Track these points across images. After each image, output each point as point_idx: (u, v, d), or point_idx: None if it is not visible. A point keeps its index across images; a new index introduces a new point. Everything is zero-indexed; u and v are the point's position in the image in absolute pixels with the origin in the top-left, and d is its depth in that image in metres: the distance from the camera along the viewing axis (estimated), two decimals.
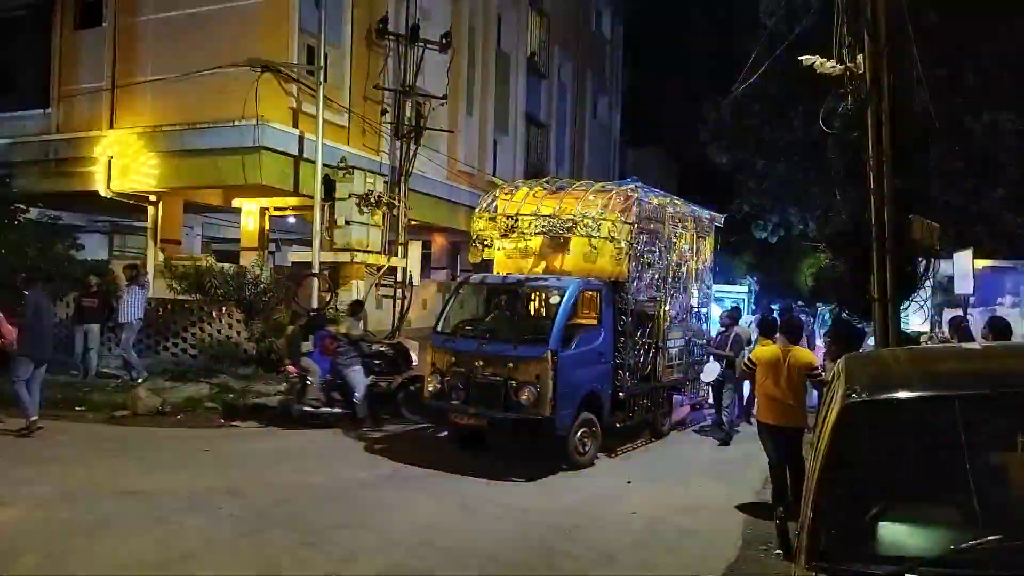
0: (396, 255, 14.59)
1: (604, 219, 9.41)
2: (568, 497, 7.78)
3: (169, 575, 5.46)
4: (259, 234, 15.41)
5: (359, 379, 10.34)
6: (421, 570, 5.77)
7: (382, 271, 14.25)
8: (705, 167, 27.62)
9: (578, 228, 9.46)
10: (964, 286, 13.02)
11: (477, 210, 10.41)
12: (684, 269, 11.12)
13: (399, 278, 14.95)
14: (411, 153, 15.05)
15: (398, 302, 14.84)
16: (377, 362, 10.90)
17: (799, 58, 6.40)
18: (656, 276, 10.28)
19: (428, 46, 15.31)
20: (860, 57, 5.94)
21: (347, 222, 13.49)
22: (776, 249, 27.77)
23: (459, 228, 16.73)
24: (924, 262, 5.96)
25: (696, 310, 11.71)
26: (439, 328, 9.46)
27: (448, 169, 17.49)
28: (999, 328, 7.01)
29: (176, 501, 6.98)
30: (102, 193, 13.94)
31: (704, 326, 11.98)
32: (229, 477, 7.87)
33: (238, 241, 16.41)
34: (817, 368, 7.29)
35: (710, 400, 11.75)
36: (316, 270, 13.11)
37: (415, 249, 15.80)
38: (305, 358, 10.51)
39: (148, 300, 13.07)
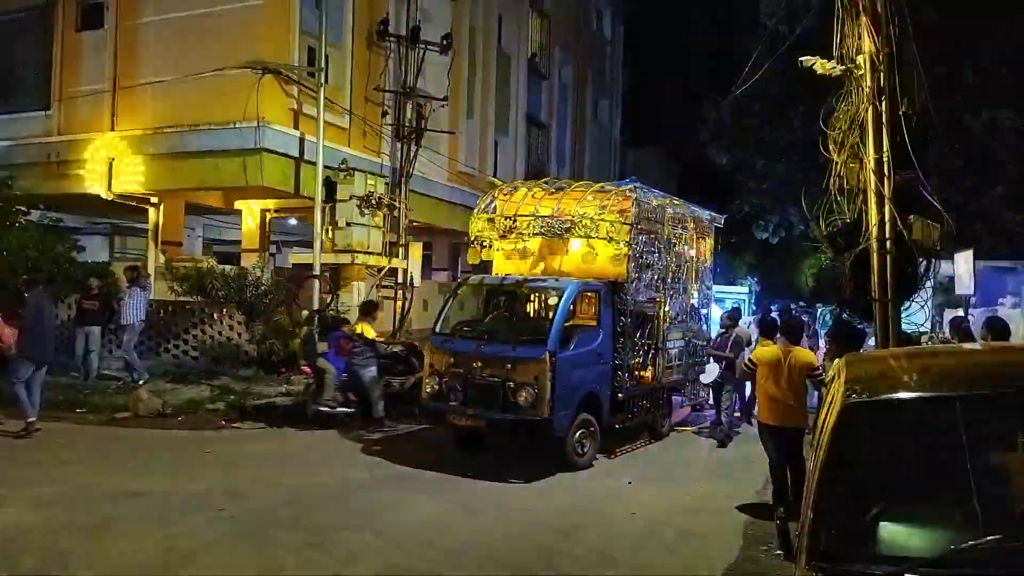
0: (397, 256, 14.59)
1: (603, 220, 9.40)
2: (568, 498, 7.79)
3: None
4: (260, 236, 15.42)
5: (375, 379, 10.38)
6: (423, 571, 5.77)
7: (383, 272, 14.25)
8: (705, 167, 27.66)
9: (576, 229, 9.46)
10: (965, 286, 13.01)
11: (475, 211, 10.40)
12: (684, 270, 11.10)
13: (400, 279, 14.96)
14: (412, 154, 15.06)
15: (399, 303, 14.86)
16: (390, 362, 10.93)
17: (799, 59, 6.39)
18: (655, 277, 10.26)
19: (429, 47, 15.32)
20: (860, 57, 5.94)
21: (348, 224, 13.48)
22: (777, 249, 27.80)
23: (460, 229, 16.68)
24: (924, 262, 5.95)
25: (696, 311, 11.70)
26: (437, 329, 9.45)
27: (449, 170, 17.50)
28: (997, 328, 7.03)
29: (177, 502, 6.99)
30: (103, 195, 13.95)
31: (704, 327, 11.97)
32: (230, 478, 7.87)
33: (239, 243, 16.43)
34: (818, 368, 7.29)
35: (710, 401, 11.75)
36: (317, 272, 13.11)
37: (416, 250, 15.81)
38: (321, 358, 10.58)
39: (149, 302, 13.08)
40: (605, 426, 9.25)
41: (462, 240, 10.90)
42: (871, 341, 6.74)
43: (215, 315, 13.42)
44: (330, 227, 13.50)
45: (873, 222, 5.88)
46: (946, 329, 11.36)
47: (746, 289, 24.25)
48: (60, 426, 9.83)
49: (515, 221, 9.81)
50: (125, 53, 14.05)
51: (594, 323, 9.38)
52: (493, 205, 10.20)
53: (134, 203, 14.47)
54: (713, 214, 12.30)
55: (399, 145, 15.14)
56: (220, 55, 12.43)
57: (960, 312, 12.80)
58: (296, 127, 13.32)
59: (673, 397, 11.12)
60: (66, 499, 6.94)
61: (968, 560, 2.49)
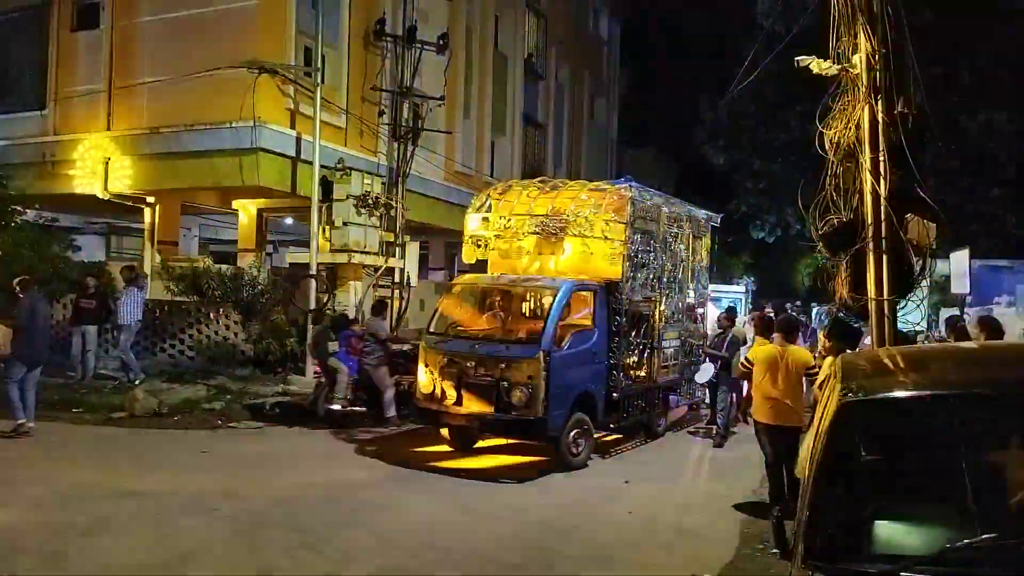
0: (394, 256, 14.58)
1: (597, 218, 9.39)
2: (565, 497, 7.79)
3: None
4: (256, 235, 15.40)
5: (387, 378, 10.39)
6: (419, 571, 5.77)
7: (380, 272, 14.25)
8: (702, 167, 27.71)
9: (571, 228, 9.44)
10: (961, 285, 13.07)
11: (470, 210, 10.39)
12: (680, 269, 11.10)
13: (397, 279, 14.95)
14: (408, 154, 15.05)
15: (396, 303, 14.85)
16: (400, 361, 10.97)
17: (795, 58, 6.40)
18: (651, 276, 10.26)
19: (425, 47, 15.31)
20: (856, 57, 5.95)
21: (344, 223, 13.47)
22: (773, 249, 27.88)
23: (457, 229, 16.66)
24: (920, 262, 5.96)
25: (692, 310, 11.70)
26: (431, 328, 9.42)
27: (446, 170, 17.49)
28: (990, 327, 7.07)
29: (173, 502, 6.97)
30: (99, 195, 13.92)
31: (700, 326, 11.97)
32: (226, 478, 7.86)
33: (235, 242, 16.41)
34: (814, 367, 7.29)
35: (707, 400, 11.75)
36: (314, 271, 13.10)
37: (413, 250, 15.80)
38: (332, 358, 10.63)
39: (146, 302, 13.06)
40: (600, 426, 9.25)
41: (459, 240, 10.90)
42: (867, 340, 6.76)
43: (211, 315, 13.40)
44: (327, 227, 13.48)
45: (869, 222, 5.89)
46: (942, 328, 11.40)
47: (743, 288, 24.29)
48: (56, 426, 9.81)
49: (510, 220, 9.80)
50: (121, 53, 14.03)
51: (589, 322, 9.37)
52: (488, 204, 10.19)
53: (130, 203, 14.45)
54: (709, 213, 12.31)
55: (396, 145, 15.13)
56: (216, 55, 12.41)
57: (956, 311, 12.84)
58: (292, 127, 13.31)
59: (670, 397, 11.12)
60: (62, 499, 6.93)
61: (963, 559, 2.49)
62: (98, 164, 13.79)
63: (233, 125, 12.42)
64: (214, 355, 13.11)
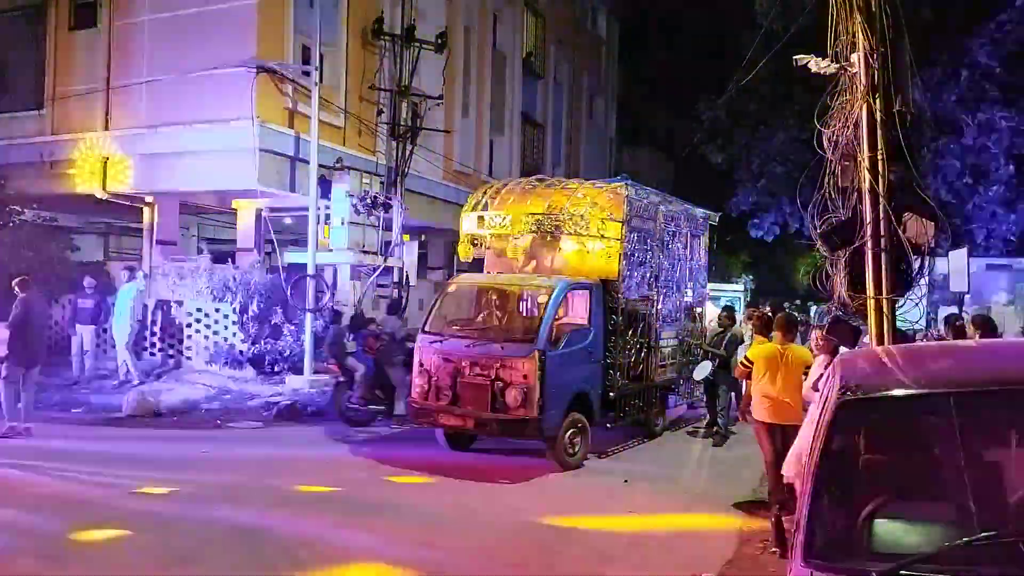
0: (392, 255, 14.59)
1: (594, 217, 9.37)
2: (564, 497, 7.80)
3: None
4: (255, 235, 15.39)
5: (403, 378, 10.46)
6: (420, 571, 5.77)
7: (378, 271, 14.25)
8: (701, 166, 27.69)
9: (567, 226, 9.43)
10: (959, 284, 13.06)
11: (465, 208, 10.36)
12: (677, 268, 11.08)
13: (396, 278, 14.95)
14: (407, 153, 15.04)
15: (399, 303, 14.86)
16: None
17: (794, 57, 6.40)
18: (648, 275, 10.24)
19: (424, 46, 15.30)
20: (854, 55, 5.95)
21: (343, 222, 13.47)
22: (772, 248, 27.87)
23: (455, 228, 16.64)
24: (919, 260, 5.96)
25: (690, 309, 11.68)
26: (426, 328, 9.40)
27: (444, 169, 17.48)
28: (985, 325, 7.09)
29: (173, 503, 6.97)
30: (97, 195, 13.92)
31: (699, 325, 11.95)
32: (226, 478, 7.86)
33: (234, 242, 16.39)
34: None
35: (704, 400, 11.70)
36: (312, 271, 13.09)
37: (412, 249, 15.79)
38: (350, 357, 10.69)
39: (144, 301, 13.05)
40: (597, 425, 9.20)
41: (457, 239, 10.89)
42: (866, 339, 6.76)
43: (210, 314, 13.39)
44: (325, 226, 13.48)
45: (868, 220, 5.89)
46: (941, 326, 11.40)
47: (741, 287, 24.30)
48: (55, 426, 9.80)
49: (505, 219, 9.77)
50: (119, 52, 14.01)
51: (585, 321, 9.33)
52: (484, 203, 10.15)
53: (129, 203, 14.45)
54: (707, 212, 12.30)
55: (394, 144, 15.12)
56: (214, 54, 12.41)
57: (955, 309, 12.85)
58: (291, 126, 13.30)
59: (668, 396, 11.10)
60: (61, 500, 6.92)
61: (962, 557, 2.49)
62: (96, 164, 13.80)
63: (231, 124, 12.42)
64: (213, 355, 13.11)
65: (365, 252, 13.87)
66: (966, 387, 3.04)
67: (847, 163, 6.08)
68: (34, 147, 14.57)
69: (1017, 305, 15.17)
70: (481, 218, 9.99)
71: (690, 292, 11.66)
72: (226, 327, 13.35)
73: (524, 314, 9.92)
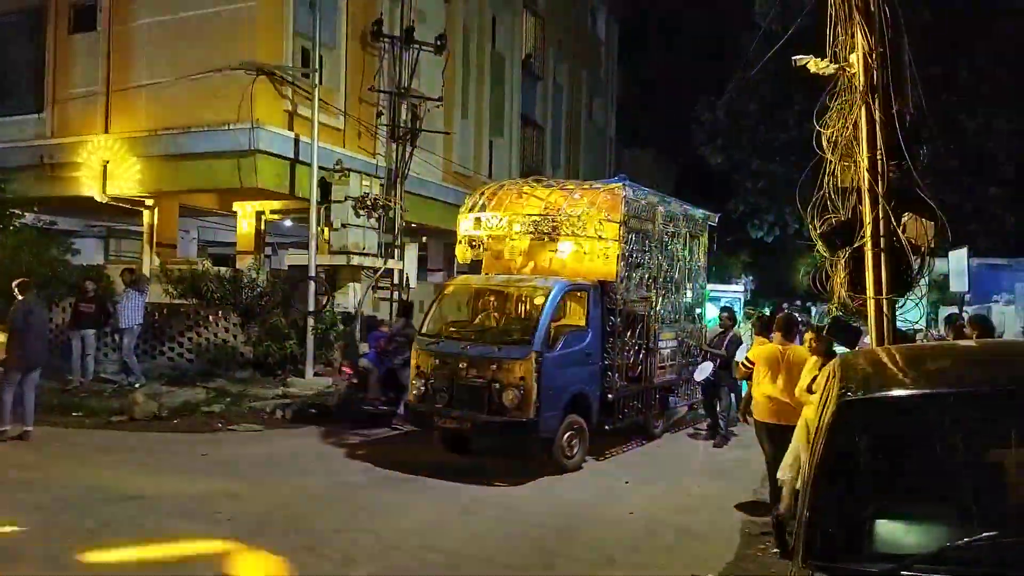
0: (392, 257, 14.59)
1: (591, 218, 9.34)
2: (565, 498, 7.78)
3: None
4: (255, 237, 15.40)
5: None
6: (421, 572, 5.77)
7: (379, 273, 14.25)
8: (701, 167, 27.73)
9: (564, 227, 9.41)
10: (960, 284, 13.08)
11: (462, 210, 10.34)
12: (677, 268, 11.06)
13: (396, 280, 14.95)
14: (407, 155, 15.04)
15: (395, 304, 14.85)
16: None
17: (793, 58, 6.40)
18: (647, 276, 10.21)
19: (423, 48, 15.31)
20: (853, 56, 5.95)
21: (343, 225, 13.48)
22: (772, 248, 27.88)
23: (455, 230, 16.73)
24: (919, 260, 5.95)
25: (690, 310, 11.66)
26: (424, 330, 9.36)
27: (444, 171, 17.49)
28: (982, 325, 7.10)
29: (174, 506, 6.97)
30: (97, 198, 13.92)
31: (698, 326, 11.92)
32: (227, 481, 7.85)
33: (234, 245, 16.40)
34: None
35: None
36: (313, 273, 13.09)
37: (411, 251, 15.80)
38: (363, 359, 10.74)
39: (145, 304, 13.04)
40: (595, 427, 9.16)
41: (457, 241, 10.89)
42: (866, 339, 6.76)
43: (210, 317, 13.39)
44: (325, 228, 13.49)
45: (867, 220, 5.88)
46: (941, 326, 11.41)
47: (741, 288, 24.30)
48: (56, 430, 9.80)
49: (502, 220, 9.75)
50: (118, 55, 14.02)
51: (583, 323, 9.29)
52: (481, 204, 10.13)
53: (128, 206, 14.45)
54: (707, 212, 12.26)
55: (394, 146, 15.13)
56: (214, 57, 12.42)
57: (955, 309, 12.85)
58: (290, 128, 13.30)
59: (668, 398, 11.05)
60: (63, 503, 6.92)
61: (963, 557, 2.49)
62: (96, 167, 13.81)
63: (231, 127, 12.43)
64: (213, 358, 13.11)
65: (365, 254, 13.86)
66: (967, 387, 3.04)
67: (846, 163, 6.09)
68: (34, 150, 14.59)
69: (1017, 305, 15.16)
70: (478, 220, 9.96)
71: (689, 293, 11.63)
72: (227, 329, 13.35)
73: (521, 316, 9.88)
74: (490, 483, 8.13)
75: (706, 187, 25.41)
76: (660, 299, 10.50)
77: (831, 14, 6.06)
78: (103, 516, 6.58)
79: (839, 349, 6.13)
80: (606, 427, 9.41)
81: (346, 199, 13.40)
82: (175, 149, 13.21)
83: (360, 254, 13.74)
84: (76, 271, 13.64)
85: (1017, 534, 2.52)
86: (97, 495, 7.16)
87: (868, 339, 6.39)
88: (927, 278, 6.16)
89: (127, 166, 13.59)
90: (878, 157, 5.86)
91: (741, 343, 10.94)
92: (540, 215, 9.53)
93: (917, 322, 7.27)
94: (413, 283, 15.46)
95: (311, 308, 12.83)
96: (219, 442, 9.79)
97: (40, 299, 10.21)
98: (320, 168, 13.11)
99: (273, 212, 15.47)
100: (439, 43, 15.61)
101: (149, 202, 14.57)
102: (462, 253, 10.22)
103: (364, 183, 13.77)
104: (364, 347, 11.02)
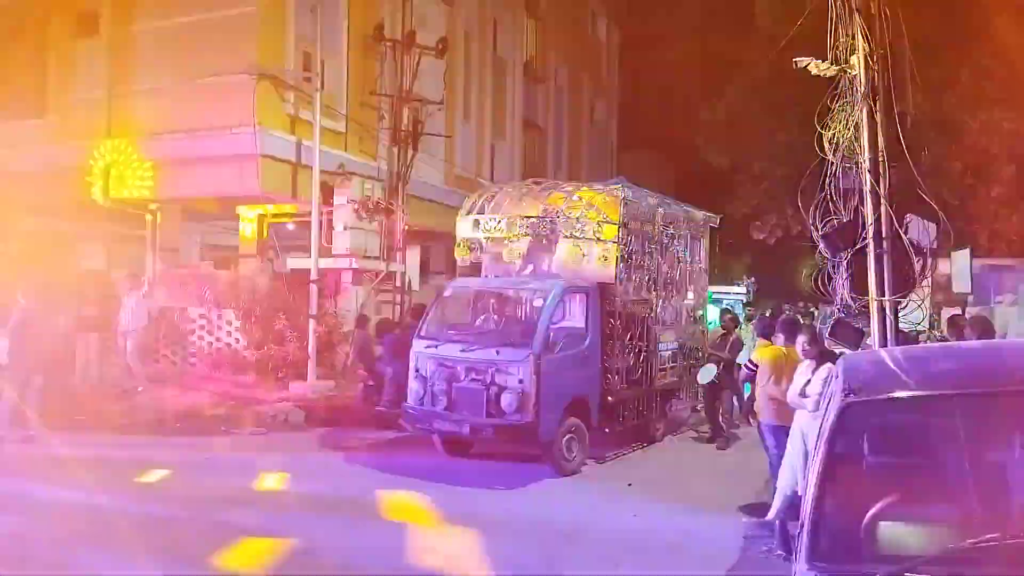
0: (395, 260, 14.59)
1: (588, 219, 9.33)
2: (567, 501, 7.78)
3: None
4: (258, 241, 15.41)
5: None
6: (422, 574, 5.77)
7: (381, 277, 14.26)
8: (703, 169, 27.71)
9: (562, 229, 9.40)
10: (962, 285, 13.05)
11: (461, 212, 10.33)
12: (677, 270, 11.03)
13: (398, 283, 14.95)
14: (408, 158, 15.06)
15: (397, 307, 14.86)
16: None
17: (794, 59, 6.41)
18: (647, 277, 10.18)
19: (424, 52, 15.33)
20: (854, 58, 5.96)
21: (345, 228, 13.49)
22: (774, 250, 27.84)
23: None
24: (921, 261, 5.96)
25: (691, 312, 11.64)
26: (422, 333, 9.34)
27: (446, 174, 17.51)
28: (981, 327, 7.10)
29: (176, 509, 6.98)
30: (100, 202, 13.94)
31: (699, 328, 11.89)
32: (230, 484, 7.86)
33: (236, 248, 16.41)
34: None
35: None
36: (315, 277, 13.10)
37: (414, 254, 15.81)
38: (378, 362, 10.75)
39: (148, 308, 13.05)
40: (595, 430, 9.12)
41: None
42: (868, 340, 6.76)
43: (213, 321, 13.41)
44: (328, 232, 13.50)
45: (869, 222, 5.89)
46: (944, 328, 11.37)
47: (743, 290, 24.27)
48: (59, 434, 9.80)
49: (500, 222, 9.74)
50: (121, 60, 14.05)
51: (583, 325, 9.26)
52: (479, 206, 10.13)
53: (131, 210, 14.46)
54: (707, 214, 12.23)
55: (396, 149, 15.13)
56: (216, 61, 12.44)
57: (958, 310, 12.82)
58: (293, 132, 13.32)
59: (669, 400, 11.01)
60: (66, 506, 6.93)
61: (967, 559, 2.49)
62: (98, 172, 13.82)
63: (233, 131, 12.44)
64: (216, 361, 13.11)
65: (367, 258, 13.87)
66: (970, 389, 3.04)
67: (848, 165, 6.09)
68: (37, 155, 14.62)
69: (1020, 306, 15.12)
70: (476, 222, 9.95)
71: (691, 295, 11.61)
72: (229, 333, 13.36)
73: (520, 318, 9.85)
74: (491, 486, 8.12)
75: (707, 188, 25.38)
76: (660, 301, 10.47)
77: (832, 16, 6.07)
78: (105, 519, 6.58)
79: (839, 350, 6.13)
80: (606, 430, 9.37)
81: (348, 202, 13.42)
82: (177, 153, 13.22)
83: (362, 257, 13.75)
84: (79, 276, 13.66)
85: (1019, 536, 2.52)
86: (99, 499, 7.16)
87: (871, 340, 6.39)
88: (930, 279, 6.16)
89: (129, 170, 13.60)
90: (880, 158, 5.87)
91: (743, 345, 10.93)
92: (538, 217, 9.52)
93: (920, 323, 7.27)
94: (415, 286, 15.47)
95: (313, 311, 12.84)
96: (222, 445, 9.79)
97: (42, 304, 10.22)
98: (322, 172, 13.12)
99: (275, 216, 15.49)
100: (440, 47, 15.63)
101: (152, 206, 14.59)
102: (460, 255, 10.21)
103: (366, 186, 13.79)
104: (378, 349, 11.00)
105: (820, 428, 3.21)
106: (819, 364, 6.47)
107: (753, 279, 28.59)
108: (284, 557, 5.96)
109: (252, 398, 11.73)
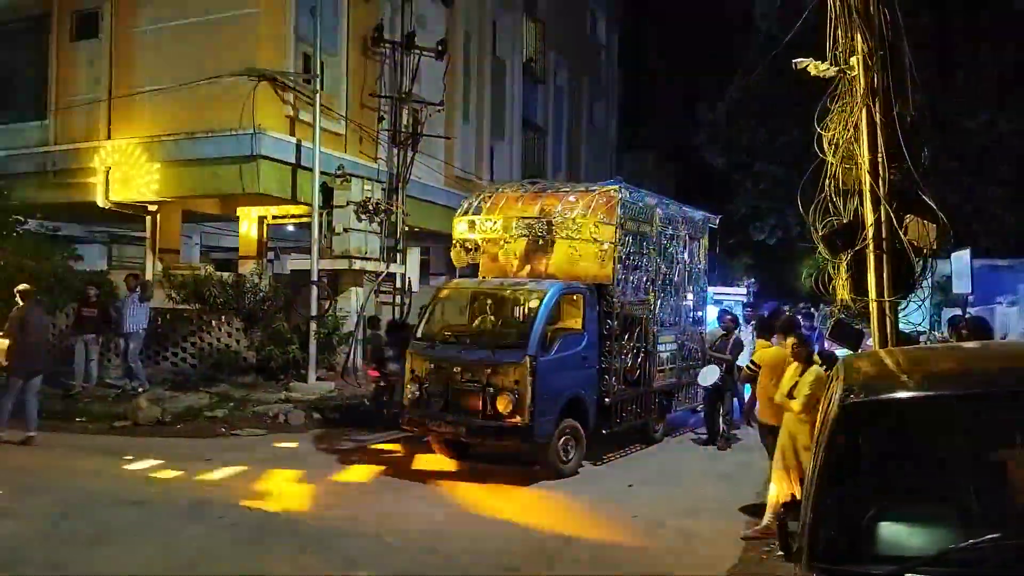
0: (395, 262, 14.60)
1: (586, 220, 9.31)
2: (567, 502, 7.77)
3: None
4: (258, 242, 15.41)
5: None
6: (421, 575, 5.77)
7: (381, 278, 14.26)
8: (702, 170, 27.75)
9: (559, 230, 9.38)
10: (962, 285, 13.05)
11: (458, 213, 10.32)
12: (676, 271, 11.02)
13: (398, 285, 14.95)
14: (408, 160, 15.07)
15: (397, 308, 14.86)
16: None
17: (793, 60, 6.40)
18: (645, 278, 10.17)
19: (424, 53, 15.34)
20: (853, 58, 5.95)
21: (345, 229, 13.50)
22: (774, 250, 27.86)
23: None
24: (921, 262, 5.95)
25: (691, 313, 11.62)
26: (419, 334, 9.32)
27: (446, 175, 17.51)
28: (978, 328, 7.11)
29: (176, 510, 6.98)
30: (100, 203, 13.95)
31: (699, 329, 11.87)
32: (229, 486, 7.87)
33: (236, 250, 16.41)
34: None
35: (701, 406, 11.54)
36: (315, 278, 13.11)
37: (413, 256, 15.81)
38: (390, 363, 10.69)
39: (149, 310, 13.06)
40: (593, 432, 9.09)
41: None
42: (868, 341, 6.76)
43: (213, 322, 13.42)
44: (328, 233, 13.51)
45: (869, 223, 5.89)
46: (944, 329, 11.38)
47: (744, 290, 24.24)
48: (59, 435, 9.82)
49: (497, 223, 9.73)
50: (121, 62, 14.06)
51: (580, 326, 9.21)
52: (476, 207, 10.12)
53: (131, 211, 14.47)
54: (707, 215, 12.20)
55: (395, 150, 15.15)
56: (216, 63, 12.45)
57: (958, 311, 12.82)
58: (292, 134, 13.33)
59: (668, 402, 10.99)
60: (65, 507, 6.93)
61: (967, 559, 2.49)
62: (99, 173, 13.84)
63: (233, 133, 12.45)
64: (216, 363, 13.13)
65: (367, 259, 13.88)
66: (970, 389, 3.04)
67: (847, 165, 6.09)
68: (37, 157, 14.63)
69: (1021, 306, 15.12)
70: (472, 223, 9.93)
71: (690, 295, 11.58)
72: (230, 334, 13.36)
73: (517, 319, 9.79)
74: (496, 486, 8.12)
75: (707, 189, 25.41)
76: (659, 302, 10.45)
77: (831, 17, 6.07)
78: (105, 521, 6.59)
79: (840, 351, 6.14)
80: (604, 431, 9.34)
81: (348, 204, 13.43)
82: (178, 155, 13.23)
83: (362, 258, 13.76)
84: (79, 277, 13.66)
85: (1020, 536, 2.53)
86: (100, 500, 7.18)
87: (871, 341, 6.39)
88: (930, 280, 6.16)
89: (130, 172, 13.61)
90: (879, 159, 5.86)
91: (744, 346, 10.91)
92: (535, 218, 9.50)
93: (920, 324, 7.28)
94: (415, 287, 15.48)
95: (313, 312, 12.85)
96: (222, 447, 9.79)
97: (42, 305, 10.24)
98: (322, 173, 13.12)
99: (275, 217, 15.49)
100: (440, 48, 15.64)
101: (152, 208, 14.59)
102: (457, 256, 10.20)
103: (366, 187, 13.79)
104: (388, 350, 10.98)
105: (820, 428, 3.22)
106: (807, 367, 6.49)
107: (753, 279, 28.57)
108: (284, 557, 5.96)
109: (252, 399, 11.74)
